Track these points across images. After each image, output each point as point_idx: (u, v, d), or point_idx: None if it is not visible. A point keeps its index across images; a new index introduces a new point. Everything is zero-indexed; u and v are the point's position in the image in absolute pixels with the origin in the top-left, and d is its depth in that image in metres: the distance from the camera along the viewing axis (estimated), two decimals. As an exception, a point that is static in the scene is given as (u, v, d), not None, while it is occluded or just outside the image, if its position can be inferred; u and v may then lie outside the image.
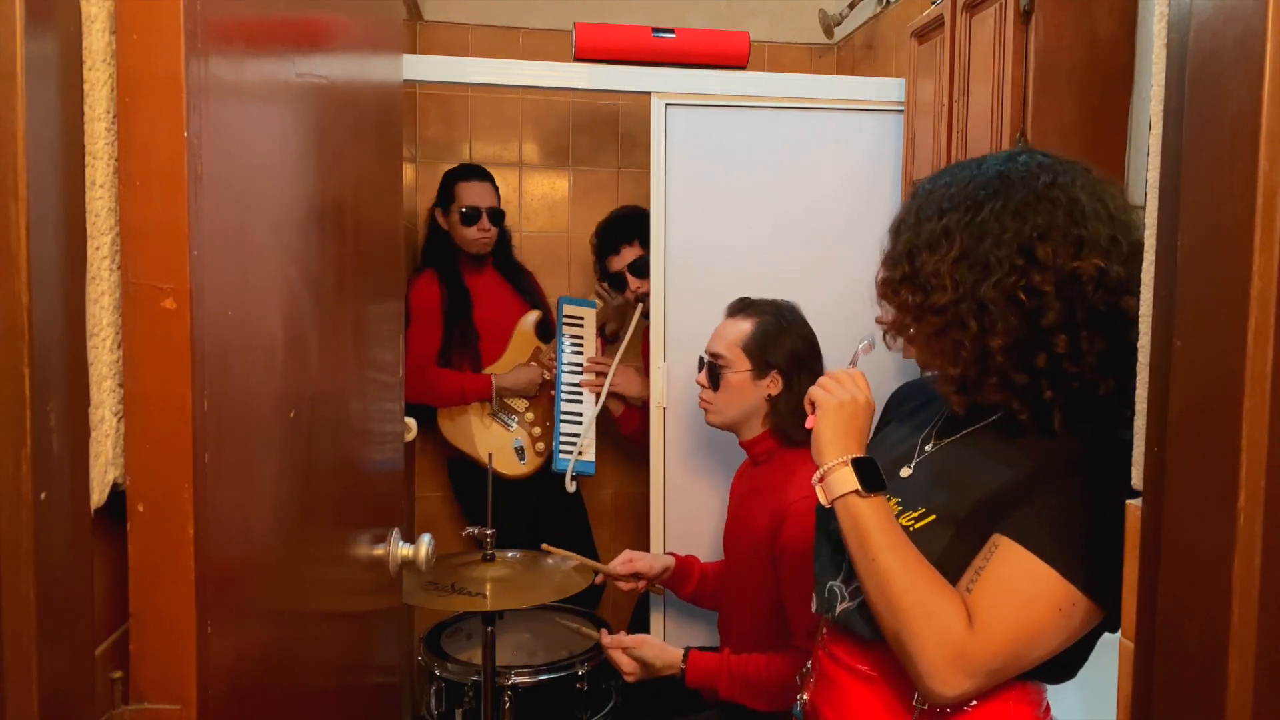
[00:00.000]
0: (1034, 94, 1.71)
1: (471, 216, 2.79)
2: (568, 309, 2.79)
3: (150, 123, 0.66)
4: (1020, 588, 1.02)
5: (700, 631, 2.34)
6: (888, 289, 1.15)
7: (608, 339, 2.86)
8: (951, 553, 1.08)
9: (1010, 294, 1.06)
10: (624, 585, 2.13)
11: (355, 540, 1.17)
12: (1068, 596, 1.01)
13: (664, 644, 1.96)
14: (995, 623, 1.02)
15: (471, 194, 2.81)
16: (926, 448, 1.21)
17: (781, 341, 1.97)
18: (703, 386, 2.03)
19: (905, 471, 1.21)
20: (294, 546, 0.94)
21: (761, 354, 1.96)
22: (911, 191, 1.18)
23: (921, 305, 1.10)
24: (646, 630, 2.32)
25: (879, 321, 1.21)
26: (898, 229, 1.16)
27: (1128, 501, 0.79)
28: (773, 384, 1.96)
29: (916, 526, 1.11)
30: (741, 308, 2.04)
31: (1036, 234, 1.05)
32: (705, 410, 2.04)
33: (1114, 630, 1.09)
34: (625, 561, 2.10)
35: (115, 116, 0.65)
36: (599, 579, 2.14)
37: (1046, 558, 1.02)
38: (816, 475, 1.13)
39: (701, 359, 2.04)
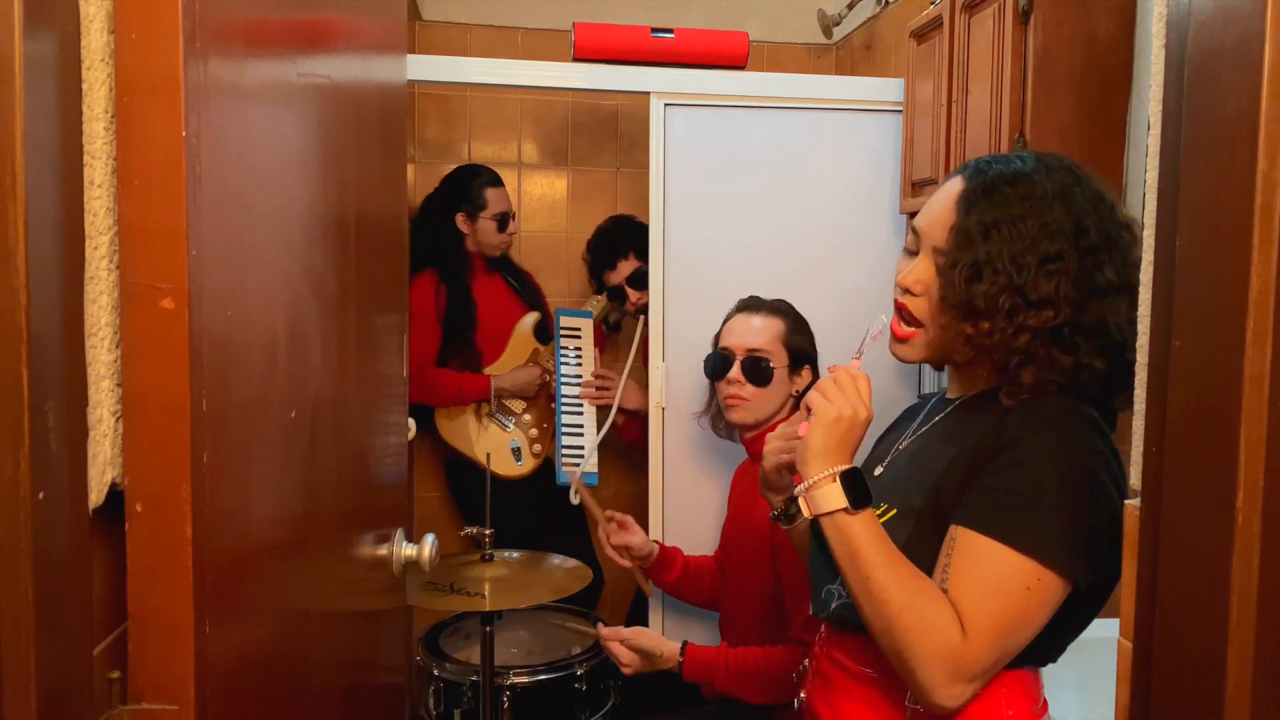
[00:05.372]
0: (1033, 94, 1.71)
1: (504, 222, 2.85)
2: (564, 320, 2.76)
3: (149, 123, 0.66)
4: (987, 575, 1.02)
5: (699, 631, 2.34)
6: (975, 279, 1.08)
7: (610, 328, 2.85)
8: (913, 544, 1.08)
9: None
10: (611, 552, 2.14)
11: (359, 540, 1.17)
12: (1032, 572, 1.02)
13: (661, 636, 1.97)
14: (980, 620, 1.01)
15: (501, 200, 2.87)
16: (900, 446, 1.23)
17: (808, 337, 2.03)
18: (740, 384, 1.95)
19: (878, 470, 1.23)
20: (295, 546, 0.94)
21: (798, 350, 1.99)
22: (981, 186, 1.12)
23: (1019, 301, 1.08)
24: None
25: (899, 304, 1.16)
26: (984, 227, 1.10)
27: (1126, 502, 0.79)
28: (800, 380, 1.99)
29: (880, 523, 1.11)
30: (760, 304, 2.04)
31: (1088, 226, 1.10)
32: (734, 408, 1.96)
33: (1098, 603, 1.10)
34: (624, 522, 2.12)
35: (114, 116, 0.65)
36: (596, 511, 2.17)
37: (1000, 537, 1.02)
38: (802, 487, 1.09)
39: (724, 357, 2.00)
